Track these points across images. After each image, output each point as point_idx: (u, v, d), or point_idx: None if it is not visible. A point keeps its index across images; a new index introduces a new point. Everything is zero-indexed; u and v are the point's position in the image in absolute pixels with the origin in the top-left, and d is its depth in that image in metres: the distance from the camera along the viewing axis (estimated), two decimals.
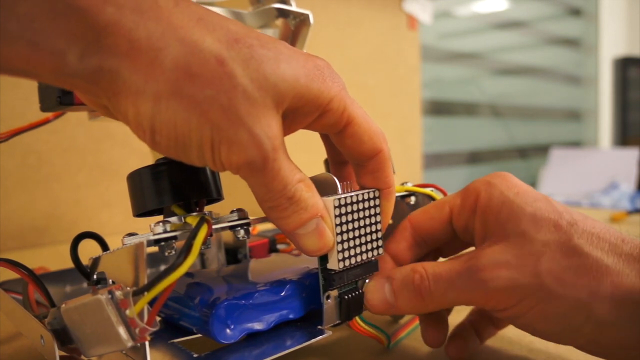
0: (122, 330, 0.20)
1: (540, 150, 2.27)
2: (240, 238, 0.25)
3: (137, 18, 0.19)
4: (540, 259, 0.23)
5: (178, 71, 0.19)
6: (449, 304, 0.25)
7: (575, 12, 2.60)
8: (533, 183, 2.15)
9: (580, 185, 1.94)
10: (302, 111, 0.23)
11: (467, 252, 0.25)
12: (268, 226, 0.44)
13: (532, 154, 2.35)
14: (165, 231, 0.23)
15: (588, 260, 0.22)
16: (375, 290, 0.26)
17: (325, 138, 0.28)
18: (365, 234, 0.26)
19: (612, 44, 2.63)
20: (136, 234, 0.23)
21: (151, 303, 0.20)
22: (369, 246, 0.26)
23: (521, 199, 0.25)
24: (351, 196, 0.25)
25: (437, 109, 1.84)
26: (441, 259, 0.30)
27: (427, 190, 0.33)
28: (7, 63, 0.18)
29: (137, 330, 0.20)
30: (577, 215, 0.24)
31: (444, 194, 0.34)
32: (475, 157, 2.06)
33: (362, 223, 0.25)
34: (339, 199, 0.24)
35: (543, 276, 0.22)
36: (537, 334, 0.24)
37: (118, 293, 0.20)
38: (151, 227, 0.23)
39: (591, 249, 0.23)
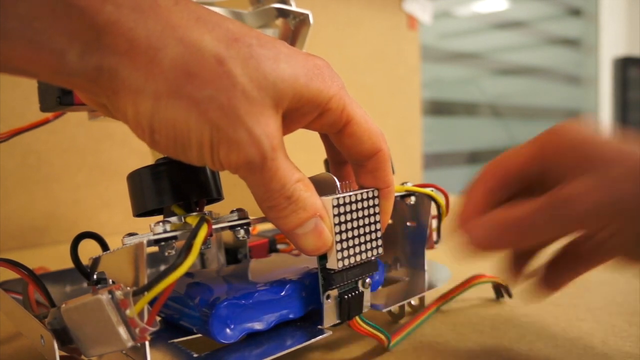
0: (122, 330, 0.20)
1: None
2: (240, 238, 0.25)
3: (136, 17, 0.19)
4: (620, 184, 0.21)
5: (177, 70, 0.19)
6: (542, 237, 0.24)
7: (575, 12, 2.60)
8: None
9: None
10: (301, 110, 0.23)
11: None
12: (268, 226, 0.44)
13: None
14: (165, 231, 0.23)
15: None
16: (478, 226, 0.24)
17: (325, 138, 0.28)
18: (365, 234, 0.26)
19: (612, 44, 2.63)
20: (136, 234, 0.23)
21: (151, 303, 0.20)
22: (369, 246, 0.26)
23: (601, 136, 0.23)
24: (350, 195, 0.25)
25: (437, 109, 1.84)
26: None
27: (427, 190, 0.33)
28: (8, 62, 0.19)
29: (137, 330, 0.20)
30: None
31: (444, 194, 0.34)
32: (475, 157, 2.06)
33: (361, 222, 0.25)
34: (338, 199, 0.24)
35: (625, 197, 0.21)
36: (629, 256, 0.23)
37: (118, 293, 0.20)
38: (151, 227, 0.23)
39: None
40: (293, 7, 0.37)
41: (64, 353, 0.22)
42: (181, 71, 0.20)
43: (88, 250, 0.27)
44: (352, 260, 0.25)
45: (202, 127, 0.20)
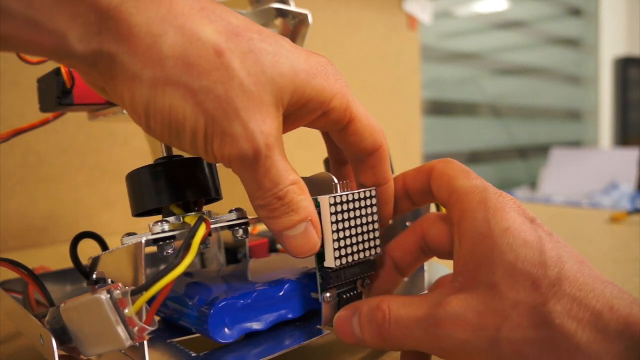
0: (120, 330, 0.20)
1: (540, 150, 2.27)
2: (239, 237, 0.25)
3: (138, 3, 0.19)
4: (503, 323, 0.19)
5: (175, 59, 0.19)
6: (410, 348, 0.23)
7: (575, 12, 2.60)
8: (533, 183, 2.15)
9: (580, 185, 1.94)
10: (305, 109, 0.23)
11: (436, 293, 0.23)
12: None
13: (532, 154, 2.35)
14: (163, 231, 0.23)
15: (557, 335, 0.19)
16: (344, 321, 0.24)
17: (326, 136, 0.28)
18: (362, 233, 0.26)
19: (612, 44, 2.63)
20: (135, 234, 0.23)
21: (150, 302, 0.20)
22: (366, 245, 0.26)
23: (506, 240, 0.21)
24: (347, 195, 0.25)
25: (437, 109, 1.84)
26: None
27: None
28: (7, 40, 0.18)
29: (135, 330, 0.20)
30: (569, 270, 0.20)
31: None
32: (475, 157, 2.06)
33: (359, 222, 0.25)
34: (335, 197, 0.24)
35: (502, 345, 0.19)
36: None
37: (116, 292, 0.20)
38: (150, 227, 0.23)
39: (565, 320, 0.19)
40: (292, 7, 0.37)
41: (63, 352, 0.22)
42: (179, 60, 0.19)
43: (88, 250, 0.27)
44: (350, 259, 0.25)
45: (197, 117, 0.20)
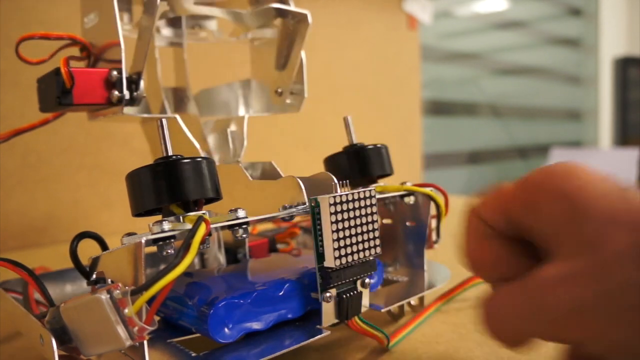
0: (120, 330, 0.20)
1: (540, 150, 2.27)
2: (239, 237, 0.25)
3: None
4: (608, 273, 0.17)
5: None
6: (518, 335, 0.21)
7: (575, 12, 2.60)
8: None
9: None
10: None
11: (526, 275, 0.20)
12: (268, 226, 0.44)
13: (532, 154, 2.35)
14: (163, 231, 0.23)
15: None
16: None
17: None
18: (362, 233, 0.26)
19: (612, 44, 2.63)
20: (135, 234, 0.23)
21: (149, 302, 0.20)
22: (366, 245, 0.26)
23: (584, 194, 0.19)
24: (347, 194, 0.25)
25: (437, 109, 1.84)
26: None
27: (427, 190, 0.33)
28: None
29: (135, 330, 0.20)
30: None
31: (444, 193, 0.34)
32: (475, 157, 2.06)
33: (358, 222, 0.25)
34: (335, 197, 0.24)
35: (612, 297, 0.17)
36: None
37: (116, 292, 0.20)
38: (150, 227, 0.23)
39: None
40: (292, 7, 0.37)
41: (63, 352, 0.22)
42: None
43: (88, 250, 0.27)
44: (350, 259, 0.25)
45: None
